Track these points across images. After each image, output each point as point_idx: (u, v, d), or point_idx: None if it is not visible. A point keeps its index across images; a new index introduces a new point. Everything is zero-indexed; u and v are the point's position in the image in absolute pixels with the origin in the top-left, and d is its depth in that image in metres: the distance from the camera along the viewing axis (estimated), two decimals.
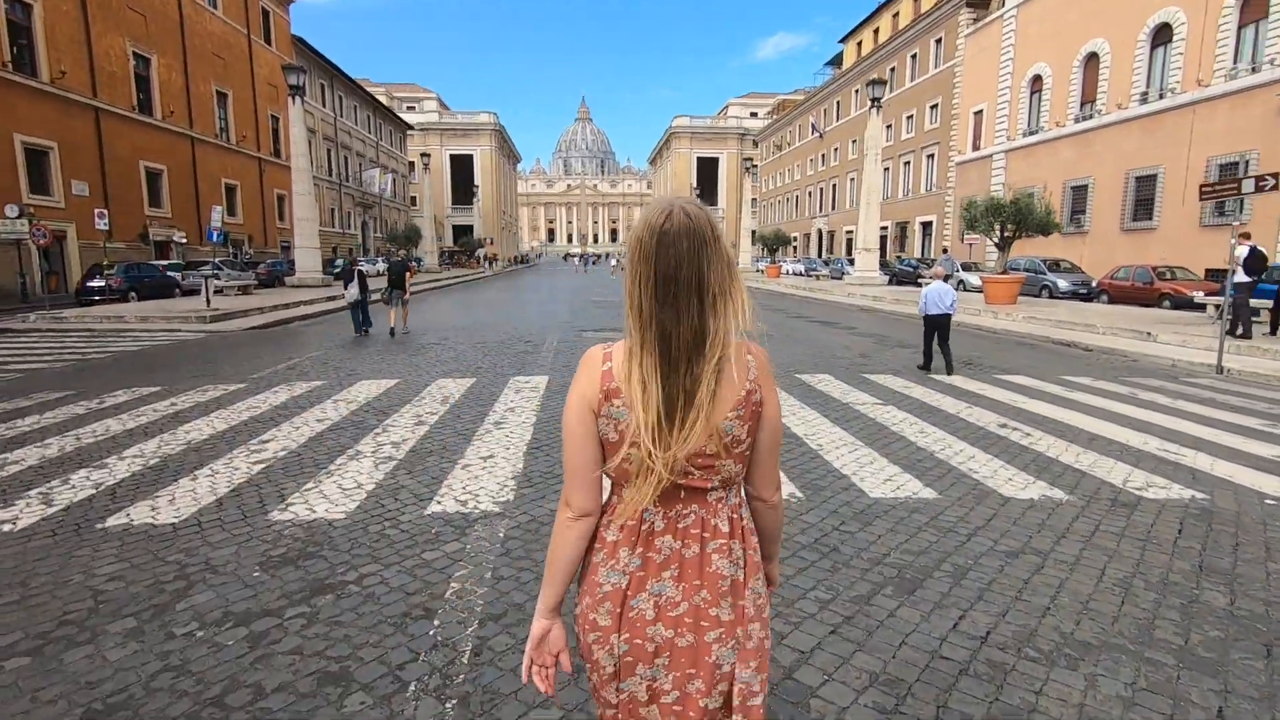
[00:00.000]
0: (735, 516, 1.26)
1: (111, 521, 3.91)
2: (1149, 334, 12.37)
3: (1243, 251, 11.61)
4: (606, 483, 1.28)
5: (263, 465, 4.95)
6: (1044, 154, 30.50)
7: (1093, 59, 27.80)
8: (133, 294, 21.35)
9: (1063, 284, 21.78)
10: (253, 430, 5.92)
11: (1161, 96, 24.40)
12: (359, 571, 3.30)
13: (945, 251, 37.78)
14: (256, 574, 3.27)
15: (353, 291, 13.01)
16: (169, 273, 24.85)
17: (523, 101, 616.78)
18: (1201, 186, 10.98)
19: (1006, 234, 17.91)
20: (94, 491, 4.41)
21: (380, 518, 3.99)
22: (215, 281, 23.89)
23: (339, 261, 40.82)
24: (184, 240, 32.09)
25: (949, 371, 8.98)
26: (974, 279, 25.71)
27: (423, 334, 13.33)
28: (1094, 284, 21.55)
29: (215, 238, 20.97)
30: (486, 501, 4.24)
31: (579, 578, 1.32)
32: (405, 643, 2.69)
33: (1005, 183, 32.97)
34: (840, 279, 35.23)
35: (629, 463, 1.19)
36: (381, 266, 44.31)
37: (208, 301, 16.89)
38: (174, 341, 12.48)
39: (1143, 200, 25.39)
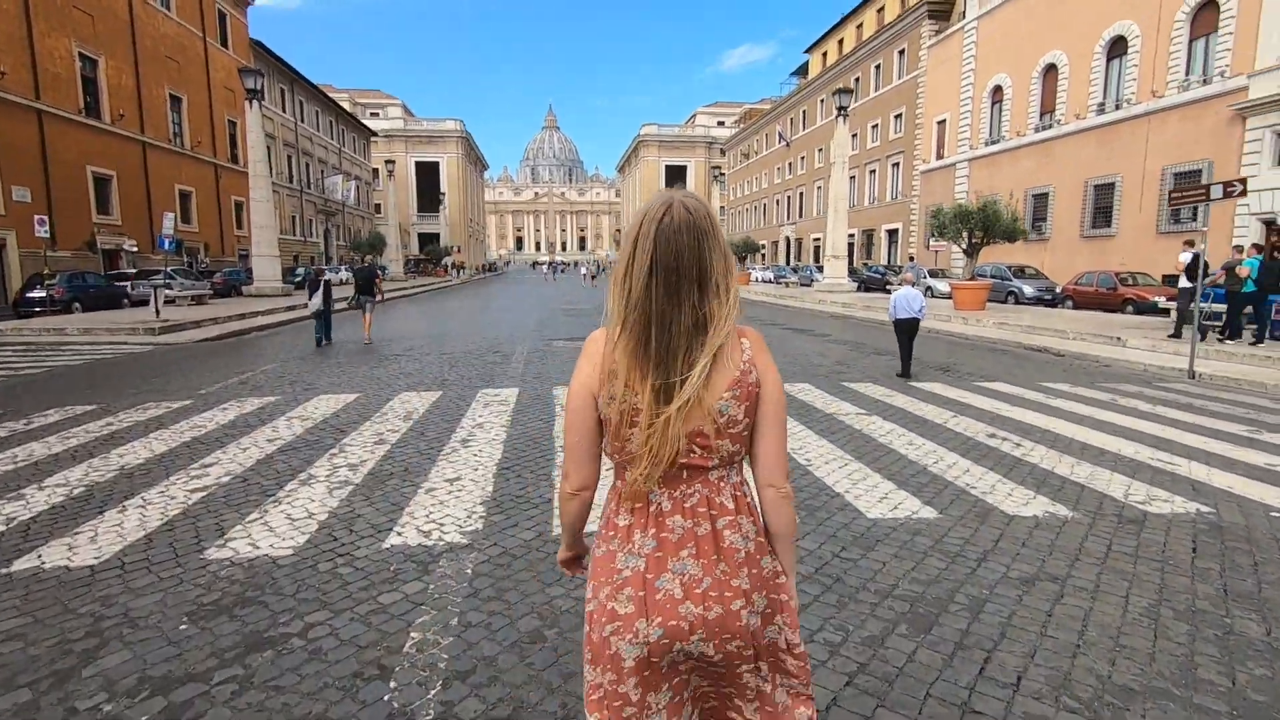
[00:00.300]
0: (739, 494, 1.29)
1: (19, 565, 3.42)
2: (1118, 339, 12.45)
3: (1186, 257, 12.03)
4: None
5: (203, 493, 4.47)
6: (1006, 163, 31.08)
7: (1051, 70, 28.45)
8: (76, 305, 20.32)
9: (1028, 290, 22.09)
10: (195, 453, 5.41)
11: (1118, 107, 25.03)
12: (304, 621, 2.89)
13: (912, 259, 38.31)
14: (183, 627, 2.84)
15: (315, 302, 12.56)
16: (116, 282, 23.73)
17: (490, 110, 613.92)
18: (1171, 193, 11.11)
19: (974, 240, 18.03)
20: (3, 529, 3.89)
21: (332, 553, 3.57)
22: (167, 291, 22.92)
23: (300, 270, 39.74)
24: (135, 248, 30.87)
25: (905, 374, 9.23)
26: (941, 285, 25.99)
27: (387, 344, 12.80)
28: (1058, 290, 21.89)
29: (167, 245, 20.11)
30: (453, 531, 3.85)
31: (590, 571, 1.35)
32: (355, 712, 2.29)
33: (969, 190, 33.57)
34: (809, 286, 35.40)
35: (629, 444, 1.22)
36: (345, 275, 43.29)
37: (157, 312, 16.07)
38: (119, 355, 11.74)
39: (1101, 208, 25.98)
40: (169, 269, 23.10)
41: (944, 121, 36.16)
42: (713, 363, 1.20)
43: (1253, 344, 11.33)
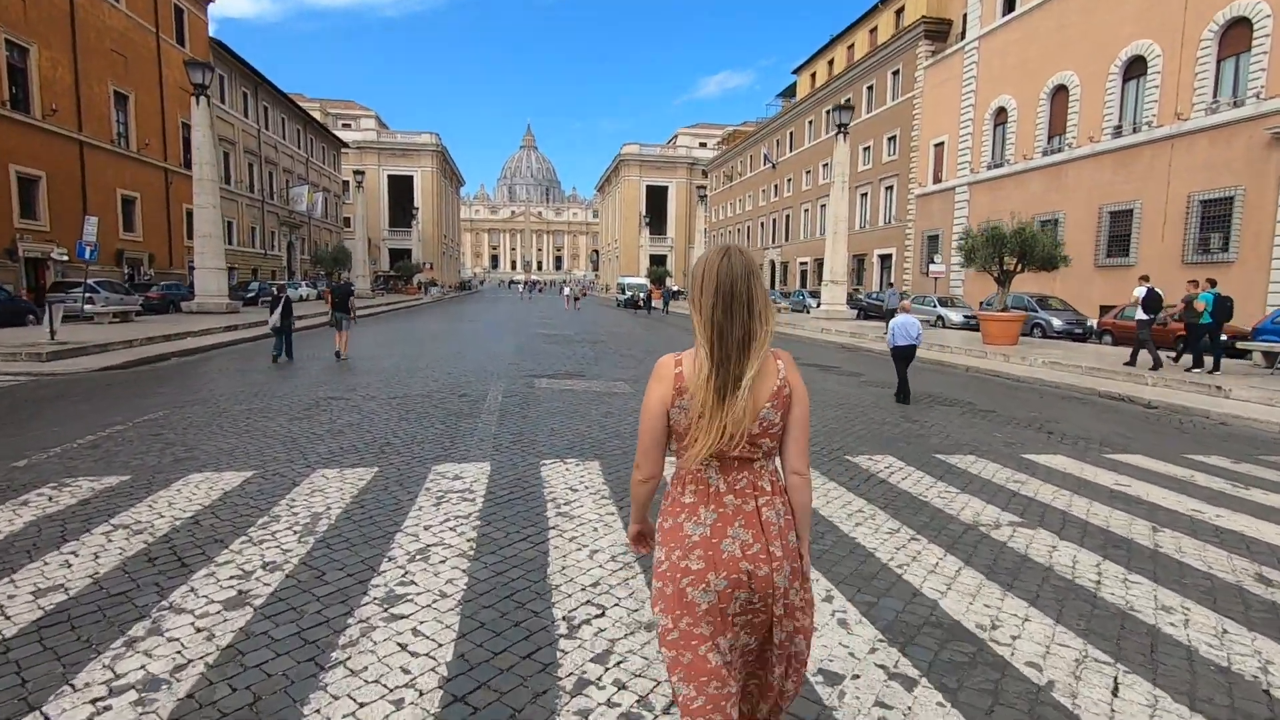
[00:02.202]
0: (774, 480, 1.67)
1: None
2: (1217, 387, 10.45)
3: (1140, 292, 13.06)
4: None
5: None
6: (1011, 187, 29.61)
7: (1061, 91, 27.11)
8: None
9: (1056, 323, 20.27)
10: None
11: (1136, 130, 23.63)
12: None
13: (891, 286, 36.77)
14: None
15: (274, 318, 12.60)
16: (49, 294, 20.74)
17: (467, 128, 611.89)
18: None
19: (1007, 268, 16.12)
20: None
21: None
22: (89, 307, 20.01)
23: (254, 285, 36.76)
24: (65, 257, 27.63)
25: (904, 400, 9.30)
26: (953, 315, 24.16)
27: (324, 382, 10.28)
28: (1090, 323, 20.08)
29: (88, 254, 17.32)
30: None
31: (660, 538, 1.69)
32: None
33: (969, 215, 32.10)
34: (804, 312, 33.51)
35: (691, 438, 1.58)
36: (305, 291, 40.31)
37: (51, 333, 13.32)
38: None
39: (1118, 235, 24.47)
40: (90, 280, 20.16)
41: (942, 144, 34.80)
42: (757, 377, 1.57)
43: (1210, 373, 11.96)
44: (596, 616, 3.04)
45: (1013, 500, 5.01)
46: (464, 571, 3.52)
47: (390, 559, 3.66)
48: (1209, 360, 12.23)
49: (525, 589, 3.33)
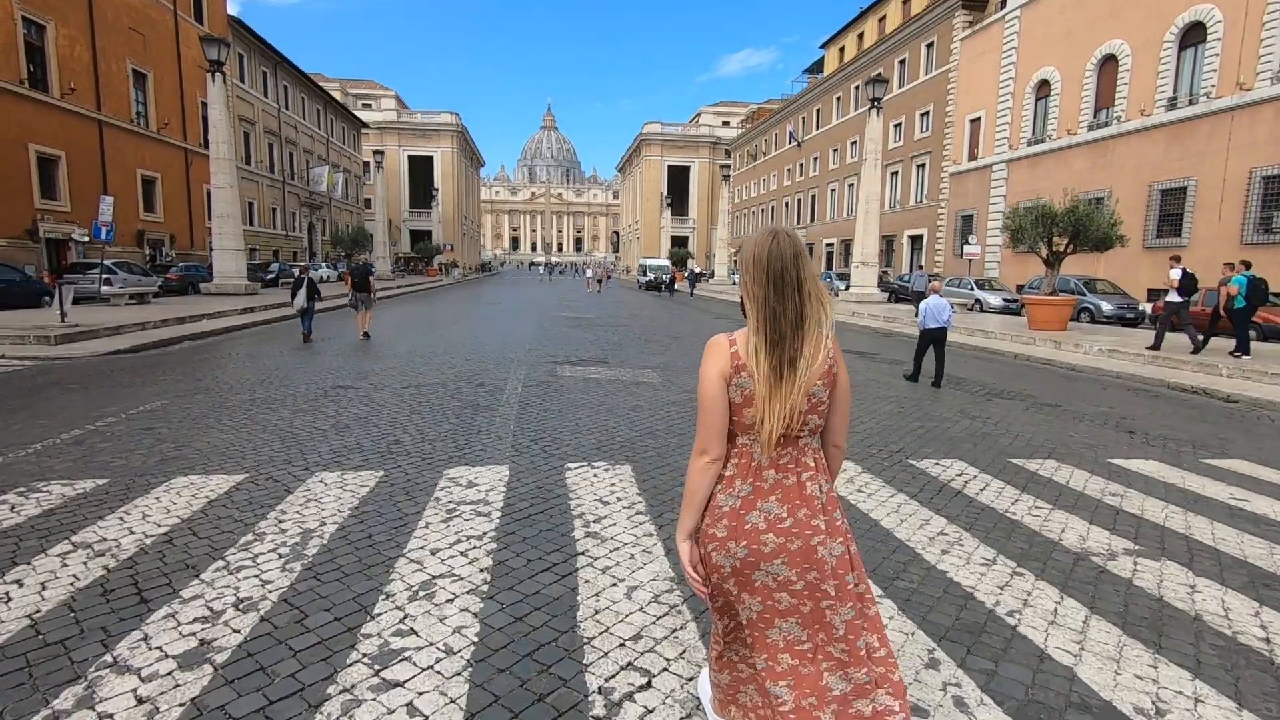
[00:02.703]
0: (817, 456, 1.71)
1: None
2: None
3: (1176, 274, 12.60)
4: None
5: None
6: (1053, 164, 28.23)
7: (1109, 62, 25.62)
8: None
9: (1106, 307, 19.13)
10: None
11: (1193, 102, 22.20)
12: None
13: (920, 268, 35.58)
14: None
15: (299, 300, 12.93)
16: (68, 274, 20.55)
17: (488, 109, 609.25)
18: None
19: (1057, 249, 15.09)
20: None
21: None
22: (106, 289, 19.76)
23: (274, 266, 36.51)
24: (85, 239, 27.30)
25: (938, 384, 9.14)
26: (992, 298, 23.07)
27: (335, 369, 9.74)
28: (1142, 308, 18.95)
29: (103, 235, 17.00)
30: None
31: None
32: None
33: (1007, 194, 30.76)
34: (832, 295, 32.47)
35: (749, 419, 1.62)
36: (326, 273, 40.02)
37: (62, 315, 12.95)
38: None
39: (1169, 215, 23.13)
40: (107, 261, 19.86)
41: (978, 120, 33.34)
42: (813, 353, 1.61)
43: (1238, 357, 11.48)
44: (641, 689, 2.39)
45: (1118, 519, 4.27)
46: (475, 615, 2.88)
47: (388, 596, 3.04)
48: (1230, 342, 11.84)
49: (550, 643, 2.68)
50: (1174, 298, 12.54)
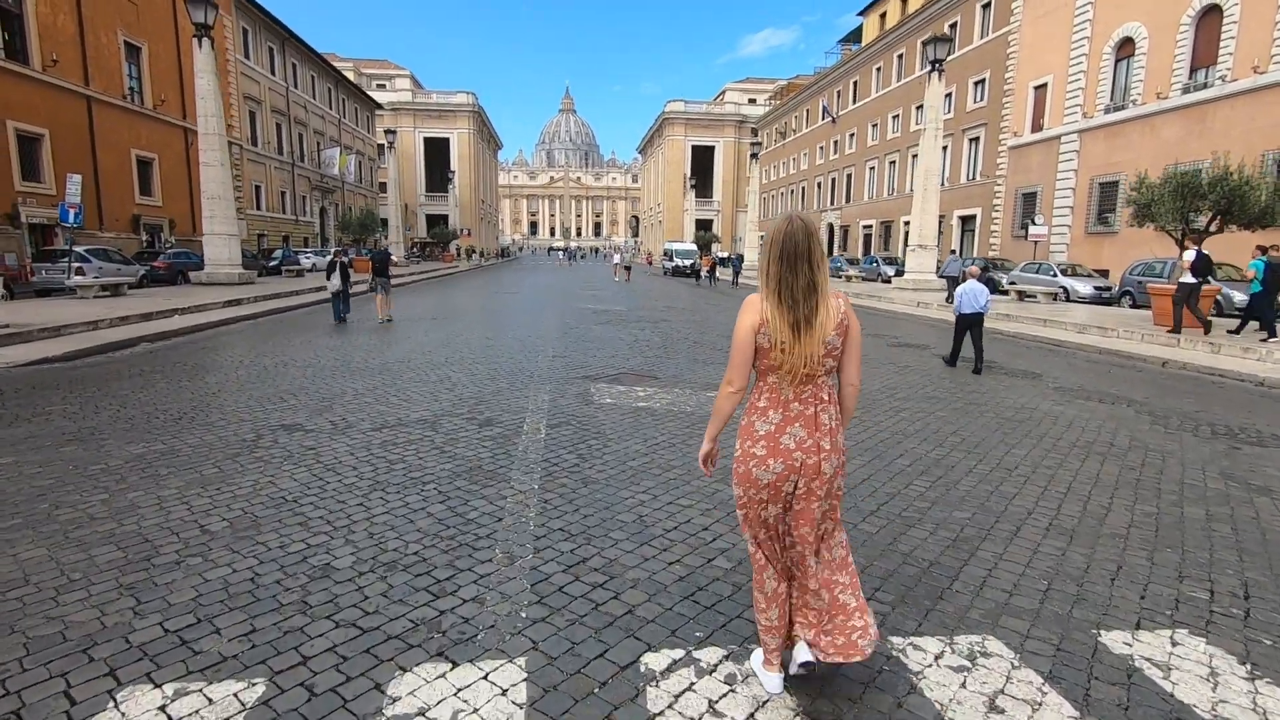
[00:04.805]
0: (831, 392, 2.24)
1: None
2: None
3: (1190, 255, 12.42)
4: None
5: None
6: (1136, 133, 25.02)
7: (1212, 12, 22.31)
8: None
9: (1236, 296, 16.16)
10: None
11: None
12: None
13: (954, 253, 32.47)
14: None
15: (334, 282, 13.44)
16: (43, 262, 18.49)
17: (505, 91, 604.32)
18: None
19: (1195, 225, 12.23)
20: None
21: None
22: (77, 278, 17.62)
23: (279, 253, 34.39)
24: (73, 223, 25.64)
25: (978, 370, 9.07)
26: (1081, 286, 20.11)
27: (299, 389, 7.34)
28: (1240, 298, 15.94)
29: (71, 217, 14.87)
30: None
31: (738, 434, 2.29)
32: None
33: (1078, 168, 27.62)
34: (878, 281, 29.64)
35: (774, 362, 2.14)
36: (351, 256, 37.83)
37: None
38: None
39: None
40: (80, 249, 17.73)
41: (1044, 86, 30.03)
42: (825, 312, 2.12)
43: (1263, 340, 11.33)
44: None
45: None
46: None
47: None
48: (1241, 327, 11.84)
49: None
50: (1188, 279, 12.27)
